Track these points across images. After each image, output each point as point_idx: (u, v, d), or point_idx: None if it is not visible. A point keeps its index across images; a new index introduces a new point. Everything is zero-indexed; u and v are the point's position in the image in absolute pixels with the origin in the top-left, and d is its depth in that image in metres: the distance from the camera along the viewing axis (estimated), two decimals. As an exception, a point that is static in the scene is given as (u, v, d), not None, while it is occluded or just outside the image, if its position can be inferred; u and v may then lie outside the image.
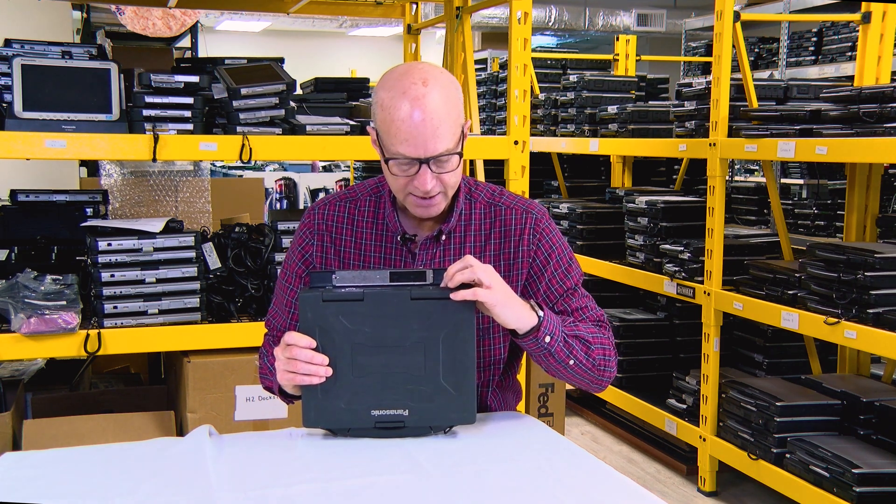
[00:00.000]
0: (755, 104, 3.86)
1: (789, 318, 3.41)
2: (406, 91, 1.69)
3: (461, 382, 1.69)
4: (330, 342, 1.67)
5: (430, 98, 1.68)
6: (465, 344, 1.68)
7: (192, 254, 3.10)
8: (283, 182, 8.87)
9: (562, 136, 5.31)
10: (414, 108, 1.67)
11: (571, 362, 1.77)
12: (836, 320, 3.18)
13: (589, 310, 1.87)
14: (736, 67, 3.84)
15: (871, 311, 3.09)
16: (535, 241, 1.86)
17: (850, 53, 6.31)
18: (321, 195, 8.49)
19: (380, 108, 1.71)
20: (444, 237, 1.85)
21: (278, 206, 8.72)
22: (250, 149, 3.07)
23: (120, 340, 3.01)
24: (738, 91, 3.89)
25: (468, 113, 3.82)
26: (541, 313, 1.72)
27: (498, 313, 1.68)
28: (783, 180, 6.27)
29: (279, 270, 1.99)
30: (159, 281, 3.05)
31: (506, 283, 1.71)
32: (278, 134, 3.18)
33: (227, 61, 3.50)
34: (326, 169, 9.60)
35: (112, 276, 3.00)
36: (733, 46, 3.79)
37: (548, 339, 1.73)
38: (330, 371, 1.67)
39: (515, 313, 1.70)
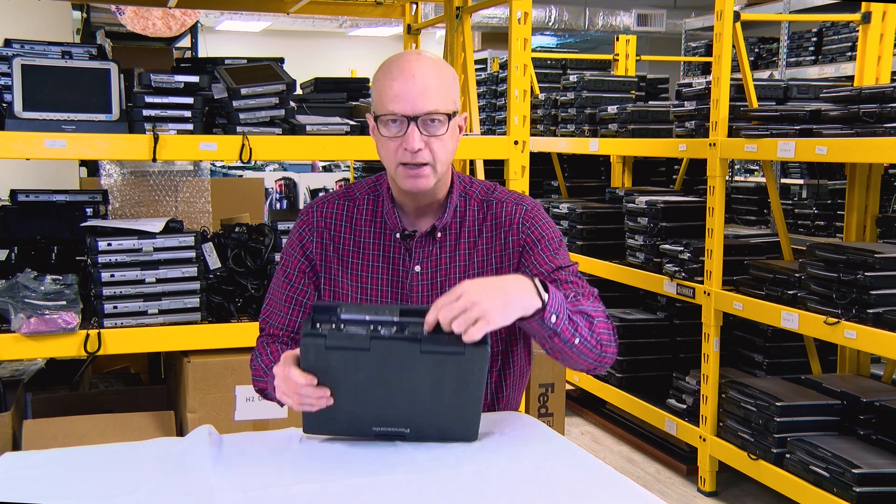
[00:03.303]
0: (755, 104, 3.86)
1: (789, 318, 3.41)
2: (399, 58, 1.79)
3: (466, 408, 1.67)
4: (332, 378, 1.63)
5: (421, 64, 1.77)
6: (476, 382, 1.63)
7: (192, 254, 3.10)
8: (283, 182, 8.86)
9: (562, 136, 5.30)
10: (404, 70, 1.75)
11: (577, 341, 1.72)
12: (836, 320, 3.18)
13: (580, 286, 1.84)
14: (736, 67, 3.84)
15: (871, 311, 3.09)
16: (525, 229, 1.87)
17: (850, 53, 6.31)
18: (321, 195, 8.47)
19: (375, 82, 1.80)
20: (439, 234, 1.86)
21: (278, 206, 8.71)
22: (250, 149, 3.07)
23: (120, 340, 3.01)
24: (738, 91, 3.89)
25: (468, 110, 3.82)
26: (545, 295, 1.65)
27: (502, 325, 1.62)
28: (783, 180, 6.27)
29: (274, 273, 1.99)
30: (159, 281, 3.05)
31: (494, 286, 1.63)
32: (278, 134, 3.18)
33: (227, 61, 3.50)
34: (326, 169, 9.60)
35: (112, 276, 3.00)
36: (733, 46, 3.79)
37: (554, 318, 1.67)
38: (331, 401, 1.64)
39: (518, 310, 1.63)
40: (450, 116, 1.78)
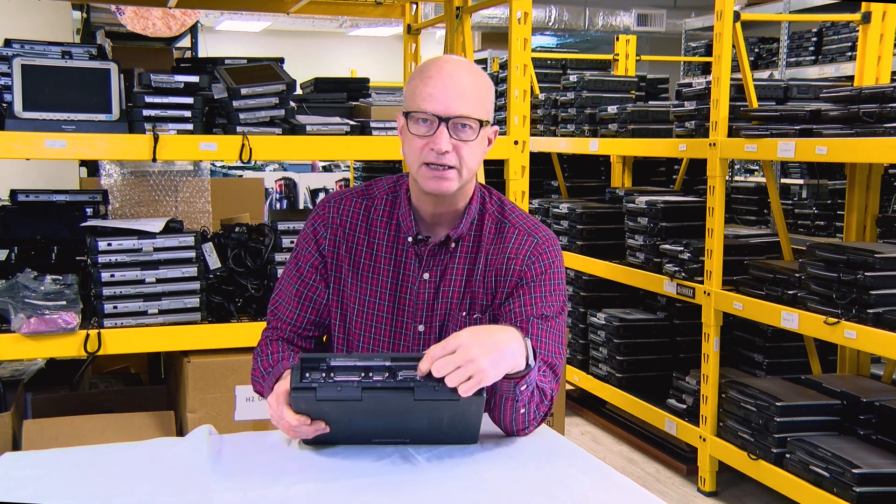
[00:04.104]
0: (755, 104, 3.86)
1: (789, 318, 3.41)
2: (438, 59, 1.80)
3: (465, 431, 1.68)
4: (327, 419, 1.64)
5: (459, 67, 1.76)
6: (473, 419, 1.64)
7: (192, 254, 3.10)
8: (283, 182, 8.87)
9: (562, 136, 5.30)
10: (442, 71, 1.75)
11: (522, 410, 1.71)
12: (836, 320, 3.18)
13: (547, 347, 1.79)
14: (736, 67, 3.84)
15: (871, 311, 3.09)
16: (529, 263, 1.83)
17: (850, 53, 6.31)
18: (321, 195, 8.50)
19: (410, 80, 1.79)
20: (452, 244, 1.84)
21: (278, 206, 8.72)
22: (250, 149, 3.07)
23: (120, 340, 3.01)
24: (738, 91, 3.89)
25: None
26: (532, 361, 1.65)
27: (494, 381, 1.61)
28: (783, 180, 6.27)
29: (286, 263, 1.97)
30: (159, 281, 3.05)
31: (491, 340, 1.59)
32: (278, 134, 3.18)
33: (227, 61, 3.50)
34: (326, 169, 9.61)
35: (112, 276, 3.00)
36: (733, 46, 3.79)
37: (524, 386, 1.67)
38: (327, 430, 1.65)
39: (507, 368, 1.62)
40: (481, 124, 1.75)
